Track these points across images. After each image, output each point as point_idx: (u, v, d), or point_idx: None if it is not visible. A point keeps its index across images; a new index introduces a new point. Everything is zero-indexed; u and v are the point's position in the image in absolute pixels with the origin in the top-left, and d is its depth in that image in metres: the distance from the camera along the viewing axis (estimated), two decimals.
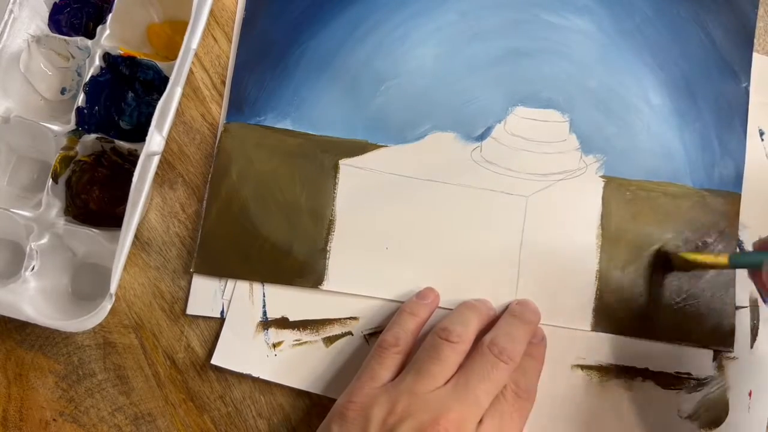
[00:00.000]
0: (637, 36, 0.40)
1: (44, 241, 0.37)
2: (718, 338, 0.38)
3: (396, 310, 0.38)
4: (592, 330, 0.38)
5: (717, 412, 0.37)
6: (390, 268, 0.39)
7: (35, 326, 0.37)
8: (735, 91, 0.39)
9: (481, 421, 0.33)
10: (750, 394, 0.37)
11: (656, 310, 0.38)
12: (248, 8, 0.41)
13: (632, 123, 0.39)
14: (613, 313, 0.38)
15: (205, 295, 0.39)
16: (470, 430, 0.32)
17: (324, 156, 0.39)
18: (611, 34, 0.40)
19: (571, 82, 0.40)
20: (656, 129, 0.39)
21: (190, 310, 0.39)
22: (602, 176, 0.39)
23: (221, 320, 0.39)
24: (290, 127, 0.40)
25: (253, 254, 0.39)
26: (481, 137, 0.39)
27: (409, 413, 0.32)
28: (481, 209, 0.39)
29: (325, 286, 0.38)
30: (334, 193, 0.39)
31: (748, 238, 0.39)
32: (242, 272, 0.39)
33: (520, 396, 0.34)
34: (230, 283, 0.39)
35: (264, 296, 0.39)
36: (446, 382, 0.33)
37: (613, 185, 0.39)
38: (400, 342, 0.35)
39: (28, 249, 0.37)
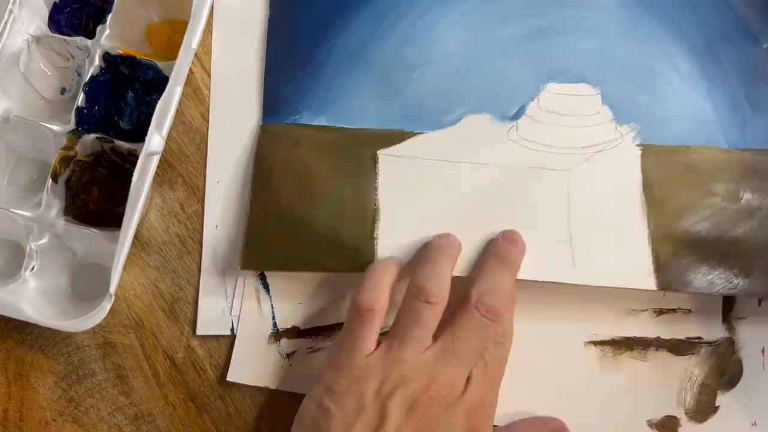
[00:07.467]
0: (658, 7, 0.41)
1: (44, 241, 0.37)
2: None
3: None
4: (659, 289, 0.37)
5: (732, 372, 0.38)
6: None
7: (35, 326, 0.37)
8: (757, 52, 0.40)
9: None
10: (763, 351, 0.38)
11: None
12: (272, 8, 0.41)
13: (662, 90, 0.40)
14: (674, 270, 0.37)
15: (214, 313, 0.39)
16: (460, 388, 0.33)
17: (362, 148, 0.39)
18: (632, 7, 0.41)
19: (599, 55, 0.40)
20: (686, 94, 0.40)
21: (200, 331, 0.39)
22: (639, 144, 0.39)
23: (232, 337, 0.39)
24: (326, 123, 0.40)
25: (303, 247, 0.38)
26: (516, 116, 0.39)
27: (401, 382, 0.32)
28: (525, 187, 0.38)
29: None
30: (376, 183, 0.39)
31: None
32: (293, 264, 0.38)
33: (499, 342, 0.34)
34: (237, 299, 0.39)
35: (272, 308, 0.39)
36: (433, 342, 0.33)
37: (651, 152, 0.39)
38: (377, 305, 0.34)
39: (27, 249, 0.37)
